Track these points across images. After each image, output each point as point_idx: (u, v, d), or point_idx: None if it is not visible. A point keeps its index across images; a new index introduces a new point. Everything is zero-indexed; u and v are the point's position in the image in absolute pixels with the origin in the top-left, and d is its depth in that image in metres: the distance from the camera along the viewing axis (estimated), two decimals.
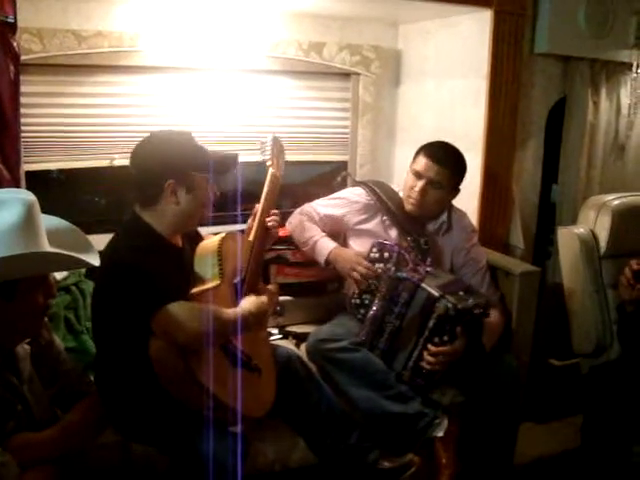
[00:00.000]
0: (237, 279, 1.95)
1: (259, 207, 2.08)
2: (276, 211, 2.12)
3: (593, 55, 2.84)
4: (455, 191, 2.43)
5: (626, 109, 3.03)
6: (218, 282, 1.86)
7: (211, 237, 2.00)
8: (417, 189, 2.34)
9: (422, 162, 2.34)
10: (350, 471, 2.05)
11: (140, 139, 1.86)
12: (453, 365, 2.16)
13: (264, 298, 1.90)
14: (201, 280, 1.88)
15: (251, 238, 2.04)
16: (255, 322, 1.85)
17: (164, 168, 1.79)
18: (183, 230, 1.94)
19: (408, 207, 2.41)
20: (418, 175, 2.35)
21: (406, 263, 2.28)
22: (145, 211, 1.84)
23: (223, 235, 1.96)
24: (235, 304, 1.86)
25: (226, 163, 1.92)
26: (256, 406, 1.86)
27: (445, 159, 2.34)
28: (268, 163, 2.13)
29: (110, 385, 1.82)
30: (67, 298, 2.30)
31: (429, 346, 2.13)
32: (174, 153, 1.81)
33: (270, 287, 2.05)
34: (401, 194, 2.48)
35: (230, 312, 1.79)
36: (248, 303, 1.85)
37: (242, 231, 2.12)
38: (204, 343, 1.68)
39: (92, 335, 1.99)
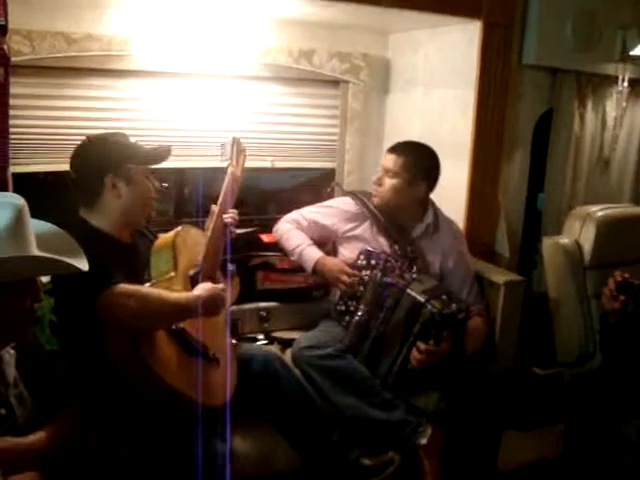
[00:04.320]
0: (192, 272, 1.97)
1: (217, 203, 2.13)
2: (234, 210, 2.18)
3: (580, 68, 2.87)
4: (416, 182, 2.42)
5: (611, 122, 3.07)
6: (172, 274, 1.88)
7: (170, 232, 2.02)
8: (376, 181, 2.45)
9: (385, 156, 2.45)
10: (332, 469, 2.05)
11: None
12: (436, 368, 2.18)
13: (221, 286, 1.90)
14: (156, 275, 1.89)
15: (209, 233, 2.07)
16: (205, 307, 1.82)
17: (102, 164, 1.88)
18: (130, 226, 1.97)
19: (374, 200, 2.47)
20: (382, 169, 2.45)
21: (393, 269, 2.30)
22: (89, 212, 1.90)
23: (178, 229, 2.00)
24: None
25: (161, 155, 1.98)
26: (214, 395, 1.86)
27: (399, 149, 2.43)
28: (227, 163, 2.20)
29: (86, 389, 1.82)
30: (52, 301, 2.29)
31: (417, 343, 2.15)
32: (110, 149, 1.90)
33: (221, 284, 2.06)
34: None
35: (177, 295, 1.80)
36: (200, 289, 1.85)
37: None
38: (149, 325, 1.73)
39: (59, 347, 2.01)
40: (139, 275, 1.89)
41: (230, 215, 2.15)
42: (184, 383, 1.74)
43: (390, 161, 2.41)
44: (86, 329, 1.75)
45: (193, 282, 1.94)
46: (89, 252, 1.65)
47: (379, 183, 2.43)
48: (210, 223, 2.11)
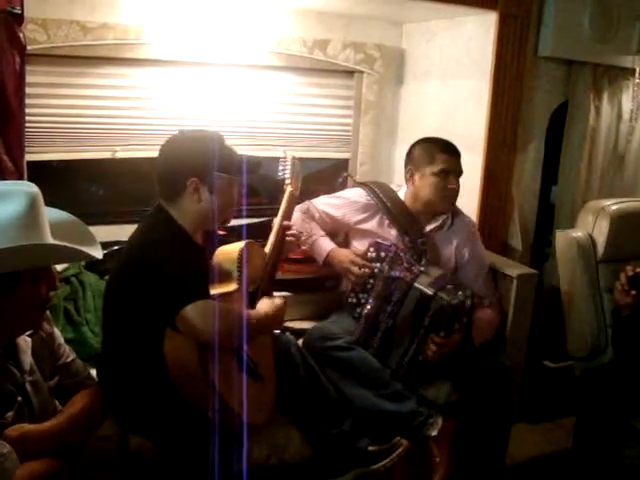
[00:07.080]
0: (252, 287, 2.01)
1: (276, 223, 2.15)
2: (294, 230, 2.21)
3: (596, 60, 2.84)
4: None
5: (627, 114, 3.04)
6: (236, 287, 1.88)
7: (232, 243, 2.02)
8: (454, 186, 2.39)
9: (444, 159, 2.38)
10: (340, 456, 2.05)
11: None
12: (447, 360, 2.19)
13: (279, 301, 1.97)
14: (220, 282, 1.90)
15: (267, 250, 2.11)
16: (271, 325, 1.94)
17: (189, 165, 1.83)
18: (203, 228, 1.95)
19: (446, 207, 2.44)
20: (445, 173, 2.37)
21: (401, 262, 2.29)
22: (169, 205, 1.87)
23: (246, 242, 1.98)
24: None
25: (250, 167, 1.93)
26: (257, 414, 1.89)
27: (455, 149, 2.42)
28: (287, 182, 2.22)
29: (115, 377, 1.84)
30: (67, 289, 2.31)
31: (431, 335, 2.16)
32: (202, 152, 1.83)
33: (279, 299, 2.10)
34: (400, 194, 2.50)
35: (250, 313, 1.85)
36: (265, 305, 1.92)
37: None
38: (228, 343, 1.74)
39: (102, 324, 1.98)
40: (206, 278, 1.89)
41: (292, 233, 2.18)
42: (235, 400, 1.76)
43: (459, 164, 2.41)
44: (146, 330, 1.77)
45: (252, 297, 1.99)
46: (177, 258, 1.72)
47: (458, 187, 2.42)
48: (270, 240, 2.14)
